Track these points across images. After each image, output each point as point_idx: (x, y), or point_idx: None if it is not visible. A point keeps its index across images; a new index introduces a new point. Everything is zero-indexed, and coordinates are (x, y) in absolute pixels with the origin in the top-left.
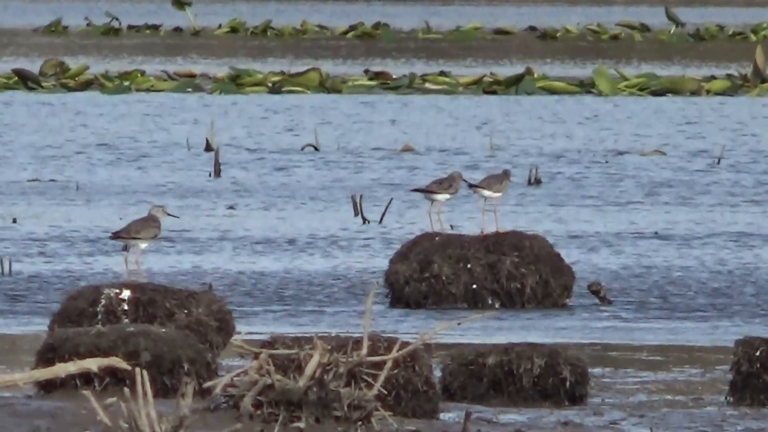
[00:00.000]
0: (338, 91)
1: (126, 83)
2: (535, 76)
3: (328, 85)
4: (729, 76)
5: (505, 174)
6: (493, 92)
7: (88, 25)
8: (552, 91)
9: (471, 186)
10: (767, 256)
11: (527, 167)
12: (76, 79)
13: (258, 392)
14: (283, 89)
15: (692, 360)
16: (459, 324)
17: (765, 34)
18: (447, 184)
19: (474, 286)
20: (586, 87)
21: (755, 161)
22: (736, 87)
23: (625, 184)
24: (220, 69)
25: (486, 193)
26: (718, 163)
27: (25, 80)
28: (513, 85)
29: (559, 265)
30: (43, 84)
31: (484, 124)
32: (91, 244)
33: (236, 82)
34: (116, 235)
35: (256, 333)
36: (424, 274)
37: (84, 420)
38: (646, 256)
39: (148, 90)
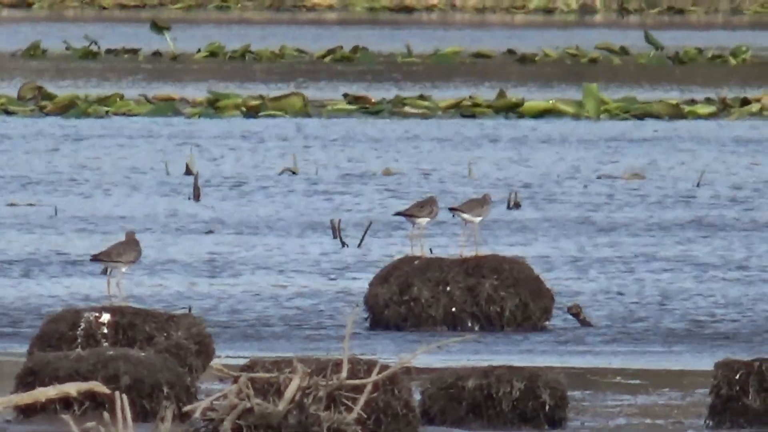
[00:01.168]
0: (317, 115)
1: (104, 107)
2: (513, 99)
3: (309, 110)
4: (708, 100)
5: (486, 199)
6: (472, 115)
7: (66, 48)
8: (532, 115)
9: (451, 209)
10: (748, 280)
11: (507, 191)
12: (54, 102)
13: (237, 416)
14: (262, 113)
15: (672, 383)
16: (439, 347)
17: (744, 57)
18: (428, 208)
19: (453, 309)
20: (567, 110)
21: (735, 185)
22: (716, 110)
23: (604, 208)
24: (199, 93)
25: (466, 216)
26: (698, 186)
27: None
28: (500, 110)
29: (538, 287)
30: (20, 108)
31: (463, 148)
32: (70, 267)
33: (215, 106)
34: (95, 258)
35: (236, 356)
36: (404, 297)
37: None
38: (626, 279)
39: (126, 114)
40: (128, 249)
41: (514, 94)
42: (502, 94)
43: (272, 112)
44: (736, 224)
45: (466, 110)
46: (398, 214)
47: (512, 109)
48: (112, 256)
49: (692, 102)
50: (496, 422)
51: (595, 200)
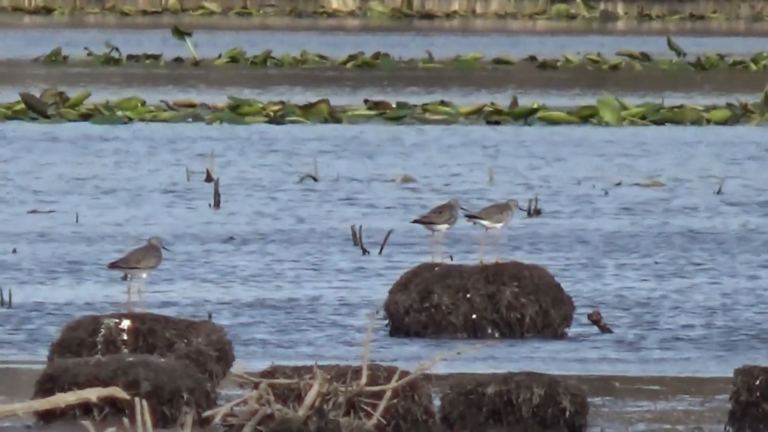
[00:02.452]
0: (338, 121)
1: (126, 113)
2: (534, 105)
3: (333, 116)
4: (729, 105)
5: (507, 205)
6: (496, 122)
7: (88, 54)
8: (553, 121)
9: (470, 217)
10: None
11: (527, 198)
12: (76, 109)
13: (258, 422)
14: (285, 119)
15: (691, 390)
16: (459, 354)
17: (765, 64)
18: (447, 214)
19: (474, 316)
20: (587, 117)
21: (756, 191)
22: (737, 116)
23: (624, 215)
24: (220, 99)
25: (485, 223)
26: (719, 192)
27: (31, 107)
28: (520, 116)
29: (558, 295)
30: (48, 113)
31: (484, 155)
32: (91, 274)
33: (236, 112)
34: (114, 265)
35: (256, 362)
36: (424, 304)
37: None
38: (646, 285)
39: (148, 120)
40: (147, 255)
41: (535, 101)
42: (516, 102)
43: (294, 119)
44: (756, 231)
45: (487, 116)
46: (416, 221)
47: (533, 116)
48: (131, 263)
49: (713, 108)
50: (516, 429)
51: (615, 207)
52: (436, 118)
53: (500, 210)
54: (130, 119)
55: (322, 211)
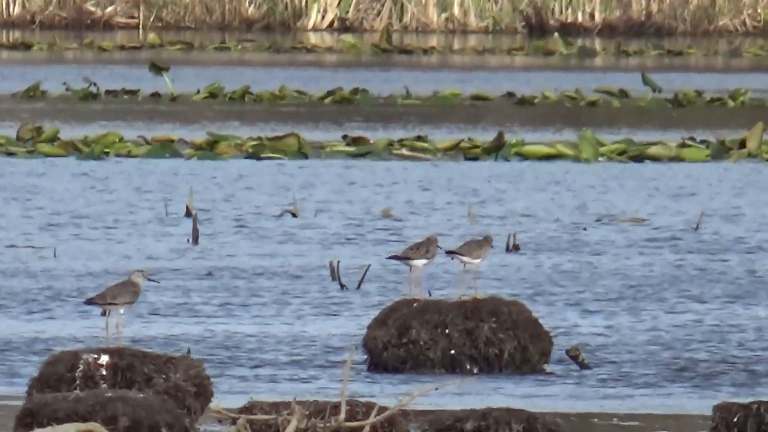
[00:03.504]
0: (316, 157)
1: (103, 148)
2: (513, 141)
3: (305, 151)
4: (707, 142)
5: (486, 240)
6: (474, 158)
7: (66, 90)
8: (530, 157)
9: (449, 252)
10: (746, 321)
11: (506, 233)
12: (53, 143)
13: None
14: (261, 154)
15: (670, 426)
16: (437, 389)
17: (743, 100)
18: (424, 249)
19: (452, 352)
20: (566, 153)
21: (734, 228)
22: (714, 153)
23: (603, 251)
24: (198, 134)
25: (465, 258)
26: (696, 229)
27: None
28: (492, 152)
29: (537, 330)
30: (19, 149)
31: (462, 190)
32: (70, 308)
33: (214, 148)
34: (90, 301)
35: (234, 398)
36: (402, 340)
37: None
38: (625, 321)
39: (125, 155)
40: (123, 291)
41: (513, 136)
42: (500, 137)
43: (271, 154)
44: (734, 267)
45: (465, 152)
46: (393, 257)
47: (511, 152)
48: (107, 298)
49: (691, 144)
50: None
51: (594, 243)
52: (415, 154)
53: (479, 246)
54: (108, 154)
55: (300, 246)
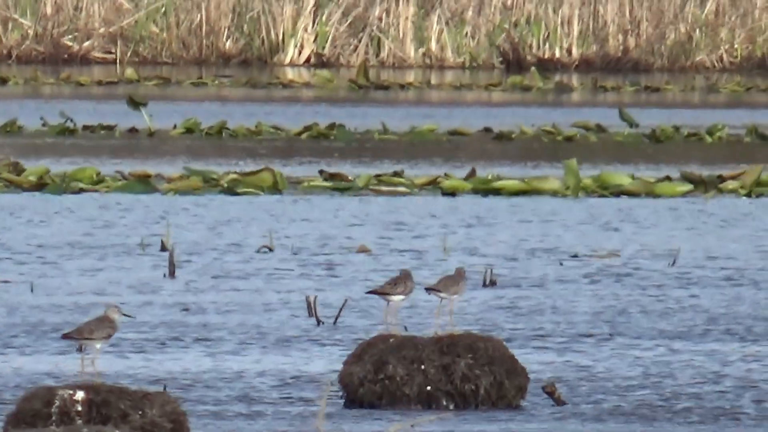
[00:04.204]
0: (293, 192)
1: (80, 183)
2: (490, 177)
3: (280, 186)
4: (684, 178)
5: (460, 274)
6: (451, 193)
7: (43, 125)
8: (508, 192)
9: (428, 289)
10: (724, 358)
11: (482, 268)
12: (30, 178)
13: None
14: (237, 189)
15: None
16: (413, 426)
17: (720, 136)
18: (402, 284)
19: (428, 388)
20: (543, 188)
21: (710, 264)
22: (691, 189)
23: (580, 286)
24: (175, 169)
25: (443, 295)
26: (673, 265)
27: None
28: (476, 187)
29: (513, 366)
30: None
31: (439, 226)
32: (46, 344)
33: (191, 183)
34: (67, 336)
35: None
36: (379, 376)
37: None
38: (602, 357)
39: (102, 190)
40: (100, 326)
41: (490, 172)
42: (473, 173)
43: (248, 189)
44: (710, 304)
45: (441, 188)
46: (371, 292)
47: (489, 187)
48: (84, 333)
49: (668, 180)
50: None
51: (571, 278)
52: (391, 190)
53: (456, 281)
54: (84, 189)
55: (276, 281)
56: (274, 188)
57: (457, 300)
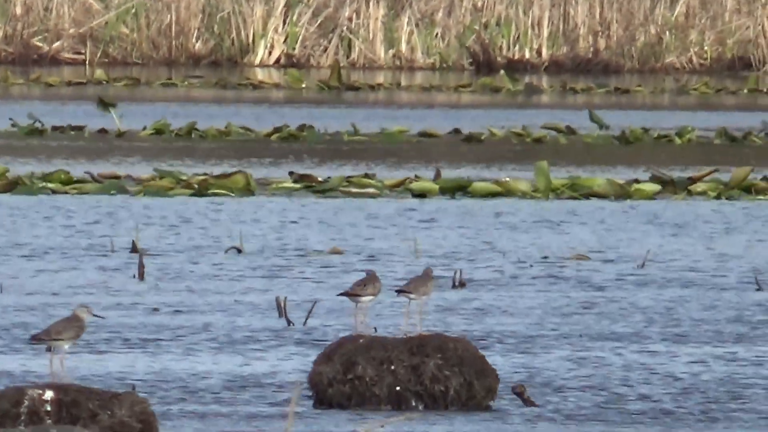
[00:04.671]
0: (263, 193)
1: (49, 185)
2: (460, 178)
3: (252, 188)
4: (653, 179)
5: (428, 274)
6: (421, 195)
7: (12, 126)
8: (478, 194)
9: (399, 291)
10: (693, 360)
11: (452, 270)
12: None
13: None
14: (208, 191)
15: None
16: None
17: (690, 137)
18: (371, 286)
19: (398, 388)
20: (512, 190)
21: (679, 266)
22: (661, 190)
23: (549, 288)
24: (144, 170)
25: (413, 296)
26: (642, 267)
27: None
28: (446, 189)
29: (483, 367)
30: None
31: (409, 227)
32: (15, 344)
33: (161, 184)
34: (35, 337)
35: None
36: (348, 376)
37: None
38: (571, 359)
39: (71, 192)
40: (68, 326)
41: (460, 174)
42: (439, 174)
43: (218, 191)
44: (679, 305)
45: (412, 189)
46: (342, 294)
47: (459, 189)
48: (52, 334)
49: (637, 181)
50: None
51: (540, 280)
52: (362, 191)
53: (425, 282)
54: (54, 191)
55: (246, 282)
56: (247, 191)
57: (425, 300)
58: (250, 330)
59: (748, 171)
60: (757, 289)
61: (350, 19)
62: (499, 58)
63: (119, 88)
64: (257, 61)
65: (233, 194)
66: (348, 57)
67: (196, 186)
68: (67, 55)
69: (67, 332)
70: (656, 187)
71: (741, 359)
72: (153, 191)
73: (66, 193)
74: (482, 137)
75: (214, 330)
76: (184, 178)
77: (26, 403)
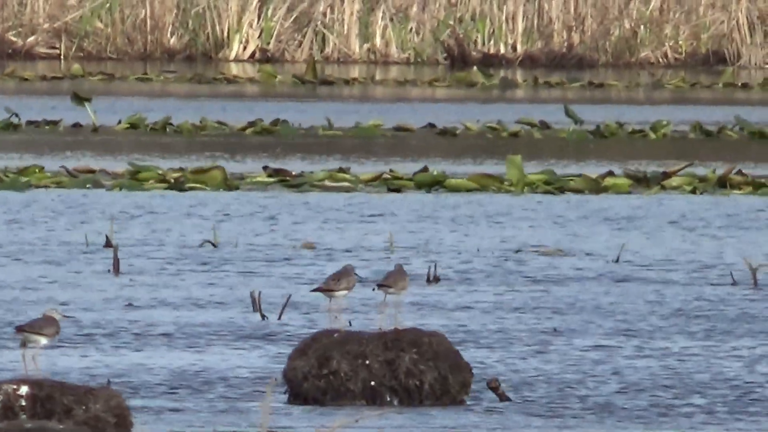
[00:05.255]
0: (237, 188)
1: (24, 179)
2: (435, 173)
3: (230, 183)
4: (628, 174)
5: (402, 270)
6: (396, 189)
7: None
8: (453, 189)
9: (380, 286)
10: (668, 354)
11: (426, 265)
12: None
13: None
14: (184, 186)
15: None
16: (357, 421)
17: (664, 132)
18: (344, 280)
19: (372, 383)
20: (487, 184)
21: (654, 260)
22: (635, 185)
23: (523, 283)
24: (119, 165)
25: (392, 290)
26: (617, 261)
27: None
28: (421, 183)
29: (457, 361)
30: None
31: (384, 222)
32: None
33: (136, 178)
34: (20, 328)
35: (154, 428)
36: (323, 371)
37: None
38: (546, 353)
39: (46, 186)
40: (49, 323)
41: (435, 168)
42: (425, 169)
43: (193, 185)
44: (656, 299)
45: (387, 184)
46: (316, 290)
47: (434, 183)
48: (35, 327)
49: (611, 176)
50: None
51: (515, 275)
52: (336, 185)
53: (402, 276)
54: (29, 185)
55: (221, 277)
56: (225, 186)
57: (403, 294)
58: (224, 324)
59: (733, 167)
60: (732, 284)
61: (325, 14)
62: (473, 53)
63: (94, 83)
64: (232, 55)
65: (208, 188)
66: (322, 51)
67: (172, 180)
68: (41, 49)
69: (48, 328)
70: (630, 181)
71: (719, 353)
72: (128, 185)
73: (40, 187)
74: (457, 132)
75: (188, 325)
76: (160, 172)
77: (1, 397)
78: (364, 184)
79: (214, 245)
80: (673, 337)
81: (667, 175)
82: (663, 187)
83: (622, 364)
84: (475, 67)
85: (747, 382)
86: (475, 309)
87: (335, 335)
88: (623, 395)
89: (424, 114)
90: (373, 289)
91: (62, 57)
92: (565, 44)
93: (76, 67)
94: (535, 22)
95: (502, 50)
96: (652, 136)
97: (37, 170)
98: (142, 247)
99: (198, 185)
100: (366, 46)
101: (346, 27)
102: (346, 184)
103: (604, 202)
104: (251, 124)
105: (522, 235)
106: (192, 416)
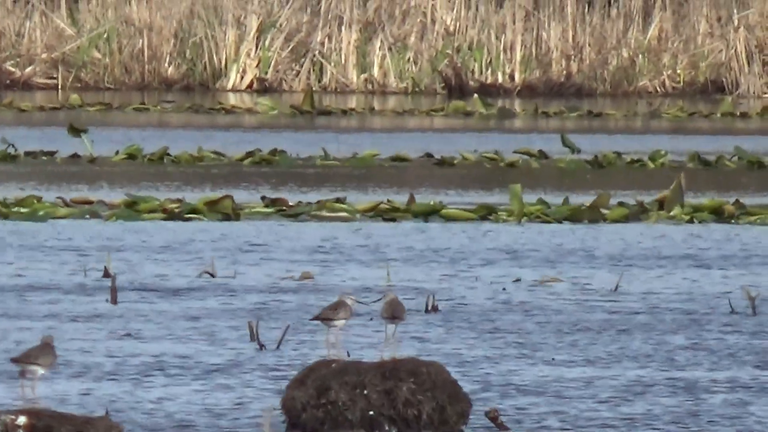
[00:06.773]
0: (236, 218)
1: (22, 210)
2: (432, 203)
3: (235, 212)
4: (626, 204)
5: (397, 299)
6: (393, 219)
7: None
8: (450, 218)
9: (387, 318)
10: (665, 380)
11: (424, 295)
12: None
13: None
14: (183, 216)
15: None
16: None
17: (662, 162)
18: (342, 309)
19: (371, 413)
20: (485, 214)
21: (652, 290)
22: (633, 214)
23: (523, 312)
24: (117, 195)
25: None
26: (615, 290)
27: None
28: (418, 214)
29: (455, 391)
30: None
31: (381, 251)
32: None
33: (133, 209)
34: (16, 360)
35: None
36: (321, 400)
37: None
38: (546, 382)
39: (44, 217)
40: (45, 352)
41: (432, 198)
42: (412, 199)
43: (191, 215)
44: (653, 327)
45: (384, 214)
46: (314, 318)
47: (431, 213)
48: (31, 358)
49: (610, 206)
50: None
51: (514, 303)
52: (334, 215)
53: (400, 306)
54: (26, 216)
55: (219, 307)
56: (218, 215)
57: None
58: (222, 354)
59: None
60: (731, 312)
61: (322, 44)
62: (471, 82)
63: (92, 113)
64: (230, 85)
65: (205, 218)
66: (320, 81)
67: (170, 211)
68: (39, 79)
69: (44, 358)
70: (628, 210)
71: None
72: (125, 216)
73: (38, 218)
74: (454, 161)
75: (186, 355)
76: (157, 202)
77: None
78: (361, 213)
79: (212, 275)
80: (668, 365)
81: (663, 205)
82: (662, 216)
83: (625, 390)
84: (474, 95)
85: None
86: (475, 338)
87: (333, 365)
88: (626, 421)
89: (421, 144)
90: (387, 321)
91: (60, 87)
92: (564, 73)
93: (74, 97)
94: (534, 51)
95: (500, 79)
96: (651, 165)
97: (34, 201)
98: (140, 278)
99: (195, 215)
100: (364, 75)
101: (343, 57)
102: (343, 213)
103: (602, 230)
104: (249, 154)
105: (521, 264)
106: None
